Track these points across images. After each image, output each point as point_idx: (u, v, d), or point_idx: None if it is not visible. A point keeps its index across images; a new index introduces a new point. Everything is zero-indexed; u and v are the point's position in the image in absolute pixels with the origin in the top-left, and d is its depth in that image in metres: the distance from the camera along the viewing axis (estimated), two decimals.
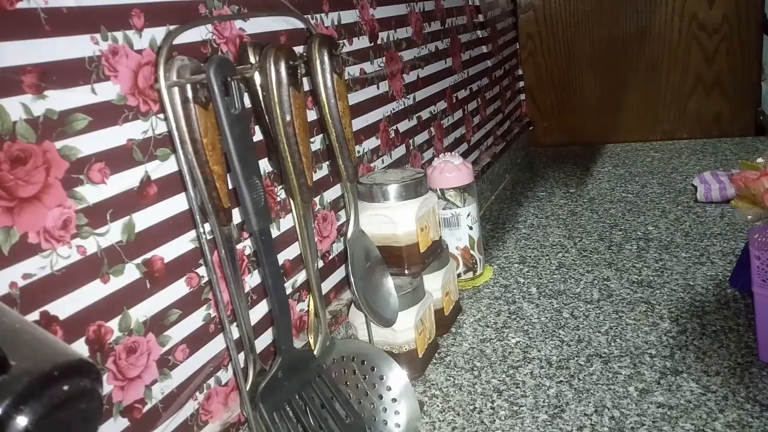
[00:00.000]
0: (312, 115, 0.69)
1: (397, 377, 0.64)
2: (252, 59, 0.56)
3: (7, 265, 0.38)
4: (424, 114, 1.04)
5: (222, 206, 0.48)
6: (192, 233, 0.53)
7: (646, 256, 0.97)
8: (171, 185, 0.51)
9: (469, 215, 0.92)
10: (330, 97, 0.58)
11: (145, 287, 0.48)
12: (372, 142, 0.85)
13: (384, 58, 0.89)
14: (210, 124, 0.47)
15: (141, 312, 0.48)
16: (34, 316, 0.40)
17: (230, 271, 0.50)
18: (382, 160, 0.88)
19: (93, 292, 0.44)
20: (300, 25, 0.67)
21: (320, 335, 0.62)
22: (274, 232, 0.64)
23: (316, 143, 0.72)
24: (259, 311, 0.62)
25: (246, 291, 0.59)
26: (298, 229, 0.60)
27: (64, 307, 0.42)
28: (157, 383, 0.49)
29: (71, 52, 0.42)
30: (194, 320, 0.53)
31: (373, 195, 0.72)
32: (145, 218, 0.48)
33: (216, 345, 0.56)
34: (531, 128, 1.74)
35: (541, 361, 0.73)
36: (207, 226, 0.50)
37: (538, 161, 1.62)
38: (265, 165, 0.62)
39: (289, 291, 0.66)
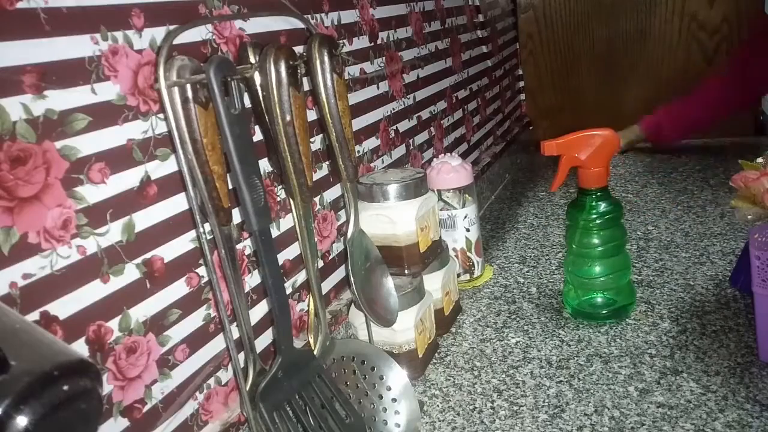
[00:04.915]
0: (312, 115, 0.69)
1: (397, 377, 0.64)
2: (252, 59, 0.56)
3: (7, 265, 0.38)
4: (424, 114, 1.04)
5: (222, 206, 0.48)
6: (192, 233, 0.53)
7: (646, 256, 0.97)
8: (171, 185, 0.51)
9: (466, 217, 0.92)
10: (330, 97, 0.58)
11: (145, 287, 0.48)
12: (372, 142, 0.85)
13: (384, 58, 0.89)
14: (210, 124, 0.47)
15: (141, 312, 0.48)
16: (34, 316, 0.40)
17: (230, 271, 0.50)
18: (382, 160, 0.88)
19: (93, 292, 0.44)
20: (300, 25, 0.68)
21: (320, 335, 0.62)
22: (274, 232, 0.64)
23: (316, 143, 0.72)
24: (259, 311, 0.62)
25: (246, 291, 0.59)
26: (298, 229, 0.60)
27: (64, 307, 0.42)
28: (157, 383, 0.49)
29: (71, 52, 0.42)
30: (194, 320, 0.53)
31: (373, 195, 0.72)
32: (145, 218, 0.48)
33: (216, 345, 0.56)
34: (531, 128, 1.74)
35: (541, 361, 0.73)
36: (207, 226, 0.50)
37: (538, 161, 1.62)
38: (265, 165, 0.62)
39: (289, 291, 0.66)
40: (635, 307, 0.81)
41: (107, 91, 0.45)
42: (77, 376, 0.27)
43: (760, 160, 0.87)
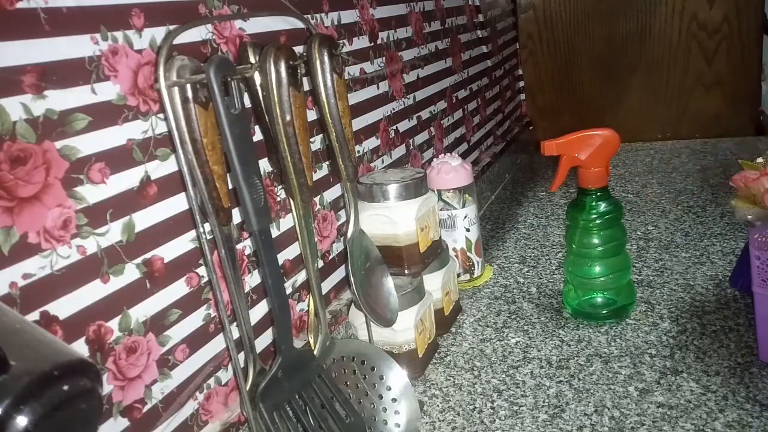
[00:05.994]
0: (312, 115, 0.69)
1: (397, 377, 0.64)
2: (252, 59, 0.56)
3: (7, 265, 0.38)
4: (424, 114, 1.04)
5: (222, 206, 0.48)
6: (192, 233, 0.53)
7: (646, 256, 0.97)
8: (171, 185, 0.51)
9: (465, 217, 0.92)
10: (330, 97, 0.58)
11: (145, 287, 0.48)
12: (372, 142, 0.85)
13: (384, 58, 0.89)
14: (210, 124, 0.47)
15: (141, 312, 0.48)
16: (34, 316, 0.40)
17: (230, 271, 0.50)
18: (382, 160, 0.88)
19: (93, 292, 0.44)
20: (300, 25, 0.68)
21: (320, 335, 0.62)
22: (274, 232, 0.64)
23: (316, 143, 0.72)
24: (259, 311, 0.62)
25: (246, 291, 0.59)
26: (298, 229, 0.60)
27: (64, 307, 0.42)
28: (157, 383, 0.49)
29: (71, 52, 0.42)
30: (194, 320, 0.53)
31: (373, 195, 0.72)
32: (145, 218, 0.48)
33: (216, 345, 0.56)
34: (531, 128, 1.74)
35: (541, 361, 0.73)
36: (207, 226, 0.50)
37: (538, 161, 1.62)
38: (265, 165, 0.62)
39: (289, 291, 0.66)
40: (635, 307, 0.81)
41: (107, 91, 0.45)
42: (77, 376, 0.27)
43: (760, 160, 0.87)
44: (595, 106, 1.68)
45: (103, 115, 0.45)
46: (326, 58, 0.57)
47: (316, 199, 0.72)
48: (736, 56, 1.55)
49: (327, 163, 0.74)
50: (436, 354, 0.77)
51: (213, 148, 0.47)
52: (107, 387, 0.45)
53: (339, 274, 0.77)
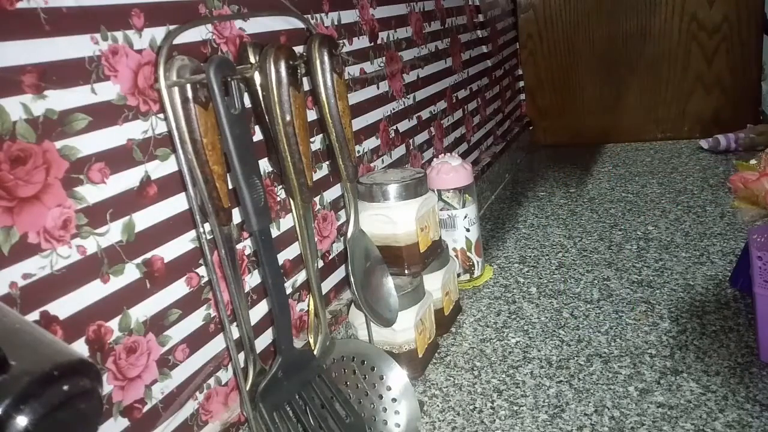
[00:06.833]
0: (312, 115, 0.69)
1: (397, 377, 0.64)
2: (252, 59, 0.56)
3: (7, 265, 0.38)
4: (424, 114, 1.04)
5: (222, 206, 0.48)
6: (192, 233, 0.53)
7: (646, 256, 0.97)
8: (171, 185, 0.51)
9: (466, 217, 0.92)
10: (330, 97, 0.58)
11: (145, 287, 0.48)
12: (372, 142, 0.85)
13: (384, 58, 0.89)
14: (210, 124, 0.47)
15: (141, 312, 0.48)
16: (34, 316, 0.40)
17: (230, 271, 0.50)
18: (382, 160, 0.88)
19: (93, 292, 0.44)
20: (300, 25, 0.68)
21: (320, 335, 0.62)
22: (274, 232, 0.64)
23: (316, 143, 0.72)
24: (259, 311, 0.62)
25: (246, 291, 0.59)
26: (298, 229, 0.60)
27: (64, 307, 0.42)
28: (157, 383, 0.49)
29: (71, 52, 0.42)
30: (194, 320, 0.53)
31: (373, 195, 0.72)
32: (145, 218, 0.48)
33: (216, 345, 0.56)
34: (531, 128, 1.74)
35: (541, 361, 0.73)
36: (207, 226, 0.50)
37: (538, 161, 1.61)
38: (265, 165, 0.62)
39: (289, 291, 0.66)
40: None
41: (107, 91, 0.45)
42: (77, 376, 0.27)
43: (753, 161, 0.87)
44: (595, 106, 1.68)
45: (103, 115, 0.45)
46: (326, 58, 0.57)
47: (316, 199, 0.72)
48: (736, 56, 1.55)
49: (327, 163, 0.74)
50: (436, 354, 0.77)
51: (213, 148, 0.47)
52: (107, 387, 0.45)
53: (339, 274, 0.77)
